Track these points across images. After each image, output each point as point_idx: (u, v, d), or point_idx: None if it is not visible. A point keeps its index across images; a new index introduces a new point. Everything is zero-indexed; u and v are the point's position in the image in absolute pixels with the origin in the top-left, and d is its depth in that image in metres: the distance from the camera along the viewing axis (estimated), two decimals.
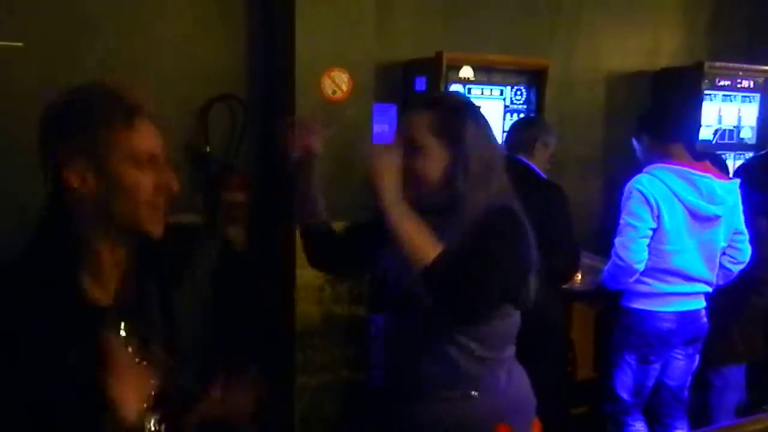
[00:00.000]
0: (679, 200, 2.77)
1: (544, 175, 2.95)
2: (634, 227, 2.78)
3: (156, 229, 1.23)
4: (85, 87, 1.24)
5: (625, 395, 2.98)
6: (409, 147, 1.56)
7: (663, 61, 4.33)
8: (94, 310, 1.21)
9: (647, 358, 2.90)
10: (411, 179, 1.52)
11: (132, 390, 1.09)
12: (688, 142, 2.99)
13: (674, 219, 2.79)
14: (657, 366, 2.94)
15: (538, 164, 2.94)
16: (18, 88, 2.73)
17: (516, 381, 1.69)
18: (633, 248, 2.77)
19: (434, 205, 1.56)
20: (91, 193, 1.18)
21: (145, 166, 1.19)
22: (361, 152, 1.42)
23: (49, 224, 1.22)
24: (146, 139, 1.20)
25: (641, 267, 2.78)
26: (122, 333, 1.23)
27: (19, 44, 2.66)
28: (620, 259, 2.80)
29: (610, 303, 3.02)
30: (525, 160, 2.90)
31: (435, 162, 1.55)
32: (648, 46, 4.33)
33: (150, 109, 1.22)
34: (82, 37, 2.84)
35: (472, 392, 1.58)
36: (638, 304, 2.88)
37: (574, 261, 2.89)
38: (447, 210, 1.54)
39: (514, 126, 3.15)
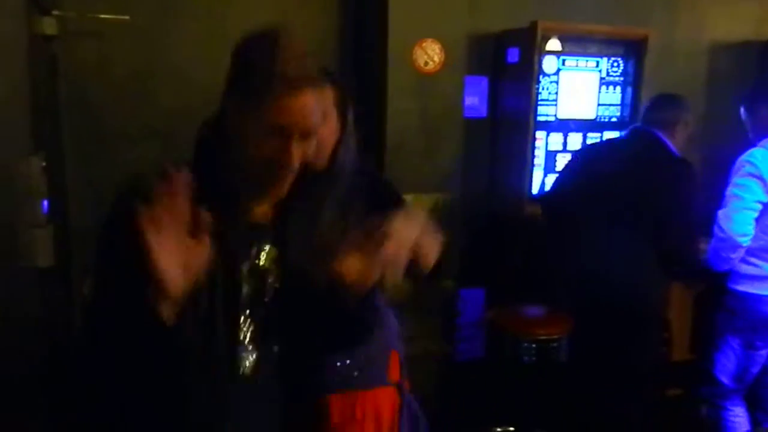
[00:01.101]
0: None
1: (678, 153, 2.80)
2: (740, 197, 2.66)
3: (273, 195, 1.28)
4: (263, 38, 1.23)
5: (725, 379, 2.86)
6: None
7: None
8: (251, 224, 1.29)
9: (753, 344, 2.77)
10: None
11: (174, 258, 1.05)
12: None
13: None
14: (764, 352, 2.81)
15: (676, 143, 2.80)
16: (126, 58, 2.85)
17: (391, 318, 1.96)
18: (736, 219, 2.64)
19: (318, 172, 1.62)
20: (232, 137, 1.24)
21: (273, 135, 1.20)
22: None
23: (207, 146, 1.29)
24: (284, 112, 1.18)
25: (746, 242, 2.65)
26: (267, 248, 1.30)
27: (126, 17, 2.76)
28: (722, 230, 2.68)
29: (714, 284, 2.89)
30: (663, 137, 2.77)
31: (333, 132, 1.73)
32: (756, 14, 4.08)
33: (305, 82, 1.20)
34: (181, 11, 2.92)
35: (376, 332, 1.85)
36: (745, 287, 2.75)
37: (690, 242, 2.72)
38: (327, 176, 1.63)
39: (657, 103, 2.93)
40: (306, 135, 1.22)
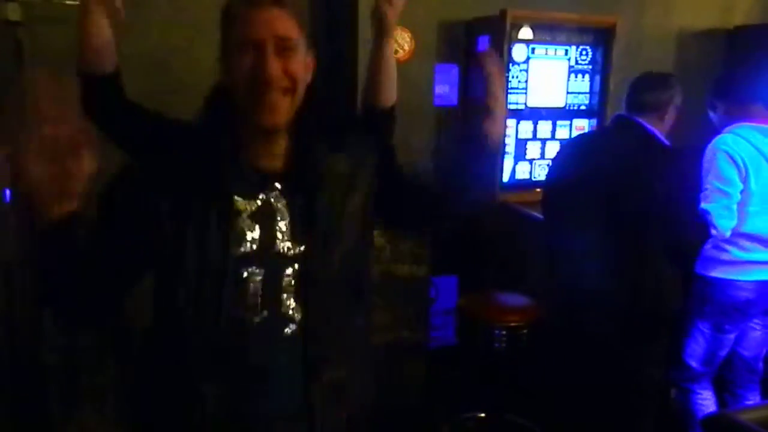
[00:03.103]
0: (766, 160, 2.64)
1: (666, 141, 2.62)
2: (726, 193, 2.59)
3: (266, 120, 1.24)
4: None
5: (694, 363, 2.90)
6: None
7: (738, 18, 4.15)
8: (258, 175, 1.29)
9: (722, 327, 2.79)
10: None
11: (43, 172, 1.08)
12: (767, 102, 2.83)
13: (760, 179, 2.64)
14: (732, 336, 2.84)
15: (662, 129, 2.61)
16: None
17: None
18: (728, 215, 2.58)
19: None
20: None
21: (247, 52, 1.21)
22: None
23: (213, 101, 1.31)
24: (250, 25, 1.21)
25: (729, 234, 2.61)
26: (276, 193, 1.29)
27: None
28: (714, 227, 2.58)
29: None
30: (648, 125, 2.57)
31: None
32: (722, 2, 4.14)
33: None
34: None
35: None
36: (715, 273, 2.74)
37: (706, 229, 2.57)
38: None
39: (641, 84, 2.65)
40: (281, 48, 1.22)
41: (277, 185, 1.29)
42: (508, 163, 3.55)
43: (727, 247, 2.71)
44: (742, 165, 2.61)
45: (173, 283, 1.23)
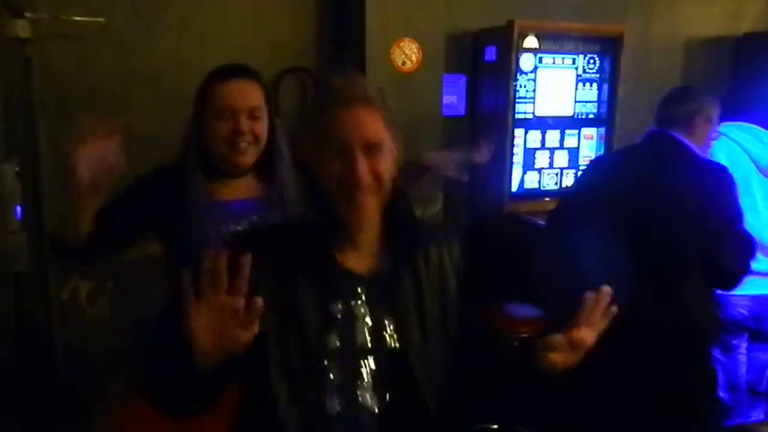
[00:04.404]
0: (746, 153, 2.59)
1: (702, 155, 2.53)
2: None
3: (356, 220, 1.25)
4: None
5: (722, 394, 2.81)
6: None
7: (746, 25, 4.13)
8: (347, 276, 1.28)
9: (729, 344, 2.75)
10: None
11: (208, 332, 1.07)
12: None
13: (738, 171, 2.57)
14: (743, 352, 2.79)
15: (696, 141, 2.51)
16: (100, 61, 2.82)
17: None
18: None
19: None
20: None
21: (337, 153, 1.22)
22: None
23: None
24: (340, 126, 1.22)
25: None
26: (362, 300, 1.28)
27: (101, 20, 2.73)
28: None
29: None
30: (679, 136, 2.49)
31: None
32: (730, 9, 4.13)
33: (357, 96, 1.24)
34: (156, 13, 2.90)
35: None
36: None
37: (749, 253, 2.37)
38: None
39: (667, 98, 2.63)
40: (370, 150, 1.23)
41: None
42: (516, 172, 3.54)
43: None
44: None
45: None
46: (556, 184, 3.67)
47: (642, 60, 3.84)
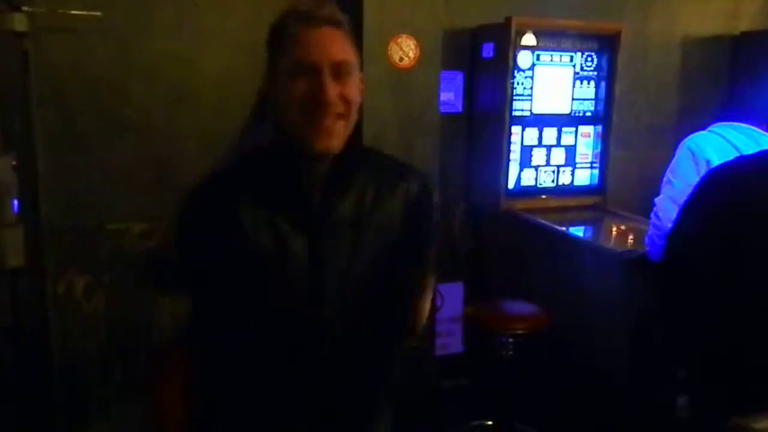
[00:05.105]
0: (741, 154, 2.58)
1: None
2: (673, 185, 2.55)
3: (321, 144, 1.19)
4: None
5: None
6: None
7: (743, 24, 4.14)
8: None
9: None
10: None
11: None
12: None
13: None
14: None
15: None
16: (98, 55, 2.82)
17: None
18: (667, 207, 2.50)
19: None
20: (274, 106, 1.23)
21: (302, 75, 1.17)
22: None
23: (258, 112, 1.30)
24: (306, 47, 1.17)
25: (669, 225, 2.33)
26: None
27: (98, 14, 2.72)
28: (657, 218, 2.56)
29: None
30: None
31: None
32: (727, 8, 4.14)
33: (325, 16, 1.19)
34: (154, 6, 2.90)
35: None
36: None
37: None
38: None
39: None
40: (337, 71, 1.18)
41: None
42: (513, 169, 3.54)
43: None
44: (702, 163, 2.50)
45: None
46: (552, 181, 3.68)
47: (639, 58, 3.85)
